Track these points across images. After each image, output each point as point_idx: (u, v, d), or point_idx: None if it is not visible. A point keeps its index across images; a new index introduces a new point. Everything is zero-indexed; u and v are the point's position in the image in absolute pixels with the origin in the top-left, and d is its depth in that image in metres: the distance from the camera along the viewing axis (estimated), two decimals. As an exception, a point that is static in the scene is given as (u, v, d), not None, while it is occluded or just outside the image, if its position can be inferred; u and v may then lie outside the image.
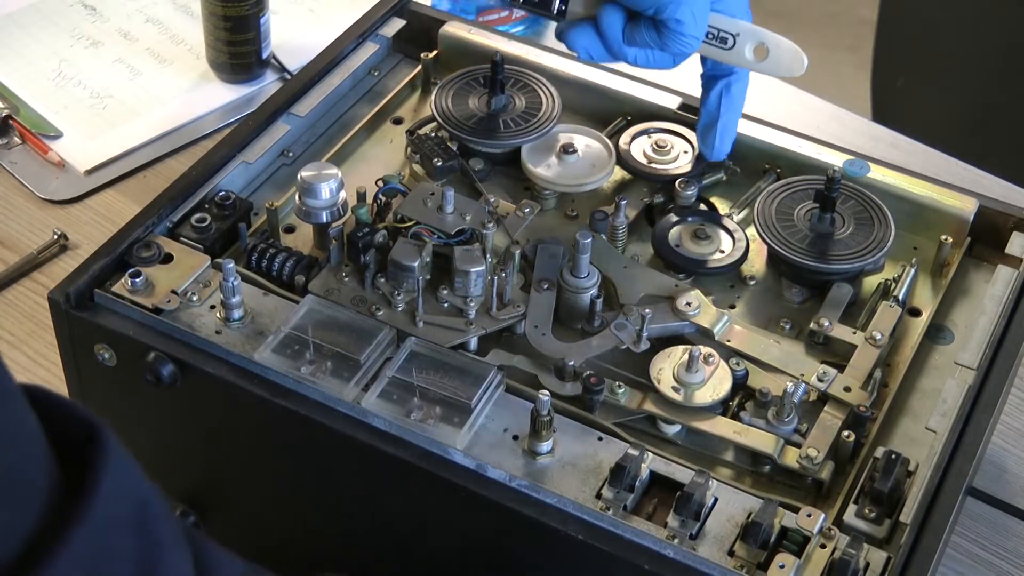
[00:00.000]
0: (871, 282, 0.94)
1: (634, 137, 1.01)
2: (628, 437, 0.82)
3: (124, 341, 0.86)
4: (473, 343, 0.87)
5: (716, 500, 0.78)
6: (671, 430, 0.84)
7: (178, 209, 0.93)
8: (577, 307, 0.89)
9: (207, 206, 0.94)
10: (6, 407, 0.51)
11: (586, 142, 1.00)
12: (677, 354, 0.85)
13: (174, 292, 0.87)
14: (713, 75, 0.95)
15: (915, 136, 1.34)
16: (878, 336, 0.87)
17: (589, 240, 0.88)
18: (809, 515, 0.76)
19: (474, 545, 0.83)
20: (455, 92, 1.02)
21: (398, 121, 1.05)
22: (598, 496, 0.78)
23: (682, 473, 0.79)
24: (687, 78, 1.00)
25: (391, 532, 0.86)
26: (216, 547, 0.61)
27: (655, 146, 1.00)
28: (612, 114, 1.04)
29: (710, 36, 0.91)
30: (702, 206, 0.98)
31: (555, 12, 0.92)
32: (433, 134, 1.01)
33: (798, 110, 1.34)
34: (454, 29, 1.09)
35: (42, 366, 1.08)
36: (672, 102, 1.03)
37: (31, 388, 0.53)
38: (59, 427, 0.54)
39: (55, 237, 1.17)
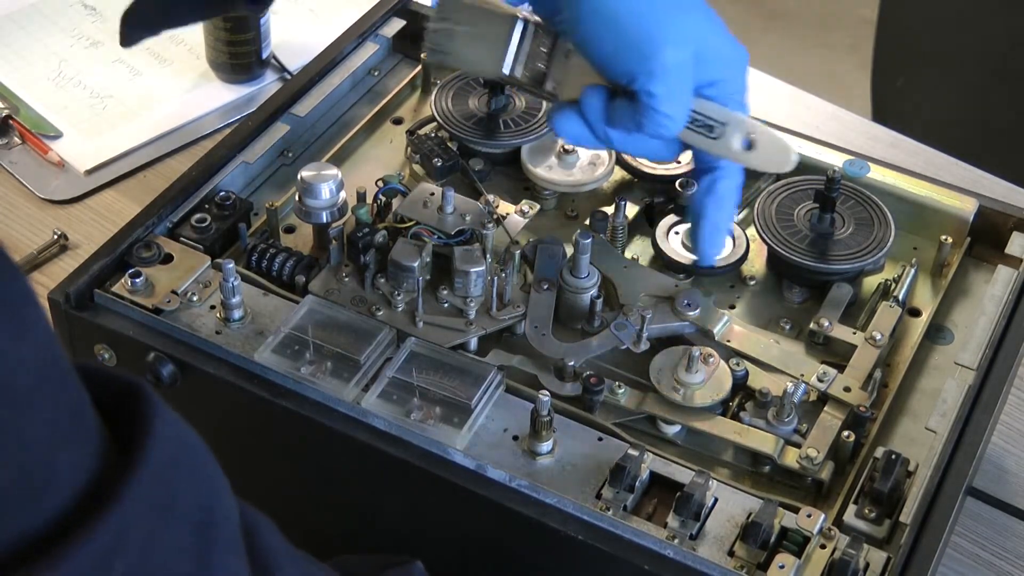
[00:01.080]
0: (871, 282, 0.94)
1: (634, 137, 1.00)
2: (628, 437, 0.82)
3: (124, 341, 0.86)
4: (473, 343, 0.87)
5: (716, 500, 0.78)
6: (671, 430, 0.84)
7: (178, 209, 0.93)
8: (577, 307, 0.89)
9: (207, 206, 0.94)
10: (56, 345, 0.51)
11: (586, 142, 1.00)
12: (677, 354, 0.85)
13: (174, 292, 0.87)
14: (699, 169, 0.89)
15: (915, 136, 1.34)
16: (878, 336, 0.87)
17: (589, 240, 0.88)
18: (809, 515, 0.76)
19: (474, 545, 0.83)
20: (455, 92, 1.02)
21: (398, 121, 1.05)
22: (598, 496, 0.78)
23: (682, 473, 0.79)
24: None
25: (391, 532, 0.86)
26: (255, 510, 0.62)
27: (655, 146, 0.99)
28: (612, 114, 1.04)
29: (696, 123, 0.85)
30: (702, 206, 0.98)
31: (548, 91, 0.87)
32: (433, 134, 1.01)
33: (798, 110, 1.34)
34: (454, 29, 1.09)
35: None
36: (672, 102, 1.03)
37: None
38: (99, 388, 0.55)
39: (55, 237, 1.17)
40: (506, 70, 0.87)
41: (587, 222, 0.95)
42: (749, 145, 0.84)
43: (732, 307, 0.92)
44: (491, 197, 0.95)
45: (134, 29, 0.91)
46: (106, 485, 0.51)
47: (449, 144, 1.00)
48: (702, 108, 0.84)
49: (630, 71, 0.82)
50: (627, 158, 0.99)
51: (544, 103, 1.00)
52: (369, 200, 0.93)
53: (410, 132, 1.02)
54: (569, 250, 0.90)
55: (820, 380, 0.85)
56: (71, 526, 0.50)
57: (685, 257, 0.93)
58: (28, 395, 0.49)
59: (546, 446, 0.80)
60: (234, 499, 0.59)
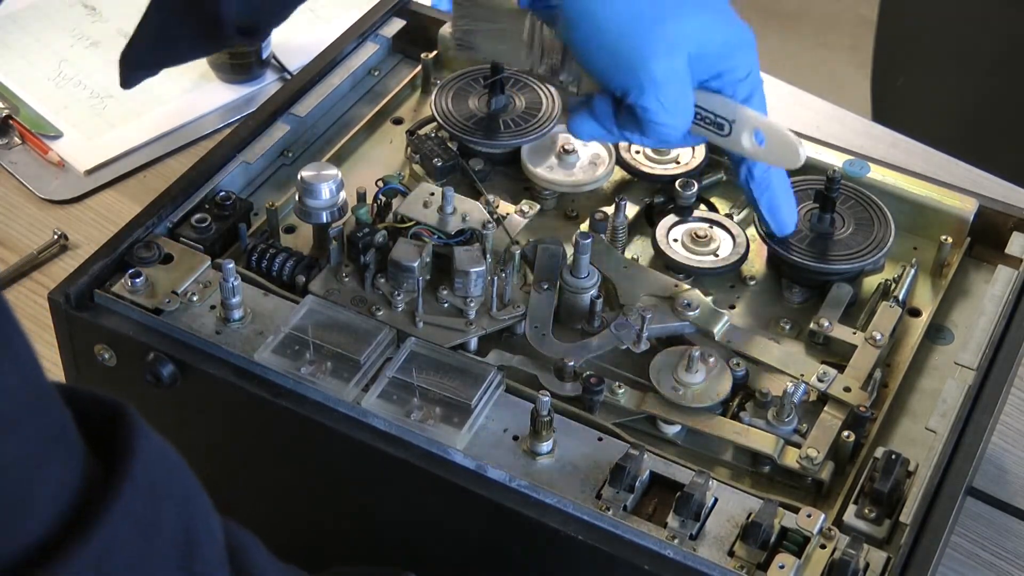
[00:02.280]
0: (871, 282, 0.94)
1: (634, 137, 1.00)
2: (628, 437, 0.82)
3: (124, 341, 0.86)
4: (473, 343, 0.87)
5: (716, 500, 0.78)
6: (671, 430, 0.84)
7: (178, 209, 0.93)
8: (577, 307, 0.89)
9: (207, 206, 0.94)
10: (38, 369, 0.51)
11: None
12: (677, 354, 0.85)
13: (174, 292, 0.87)
14: (731, 158, 0.89)
15: (915, 136, 1.34)
16: (878, 336, 0.87)
17: (589, 240, 0.88)
18: (809, 515, 0.76)
19: (474, 545, 0.83)
20: (455, 92, 1.02)
21: (398, 121, 1.05)
22: (598, 496, 0.78)
23: (682, 473, 0.79)
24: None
25: (391, 532, 0.86)
26: (239, 527, 0.62)
27: (655, 146, 0.99)
28: (612, 114, 1.04)
29: (706, 120, 0.85)
30: (702, 206, 0.98)
31: (566, 85, 0.89)
32: (433, 134, 1.01)
33: (798, 110, 1.34)
34: (454, 29, 1.09)
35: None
36: (672, 102, 1.03)
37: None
38: (82, 410, 0.55)
39: (55, 237, 1.17)
40: (525, 65, 0.89)
41: (587, 222, 0.95)
42: (760, 139, 0.85)
43: (732, 307, 0.92)
44: (491, 197, 0.95)
45: (133, 70, 0.91)
46: (90, 506, 0.51)
47: (449, 144, 0.99)
48: (709, 104, 0.84)
49: (623, 86, 0.82)
50: (626, 158, 0.99)
51: (548, 103, 1.00)
52: (369, 200, 0.93)
53: (410, 132, 1.02)
54: (569, 250, 0.90)
55: (820, 380, 0.85)
56: (55, 547, 0.50)
57: (685, 257, 0.93)
58: (10, 419, 0.49)
59: (546, 446, 0.80)
60: (218, 517, 0.59)
